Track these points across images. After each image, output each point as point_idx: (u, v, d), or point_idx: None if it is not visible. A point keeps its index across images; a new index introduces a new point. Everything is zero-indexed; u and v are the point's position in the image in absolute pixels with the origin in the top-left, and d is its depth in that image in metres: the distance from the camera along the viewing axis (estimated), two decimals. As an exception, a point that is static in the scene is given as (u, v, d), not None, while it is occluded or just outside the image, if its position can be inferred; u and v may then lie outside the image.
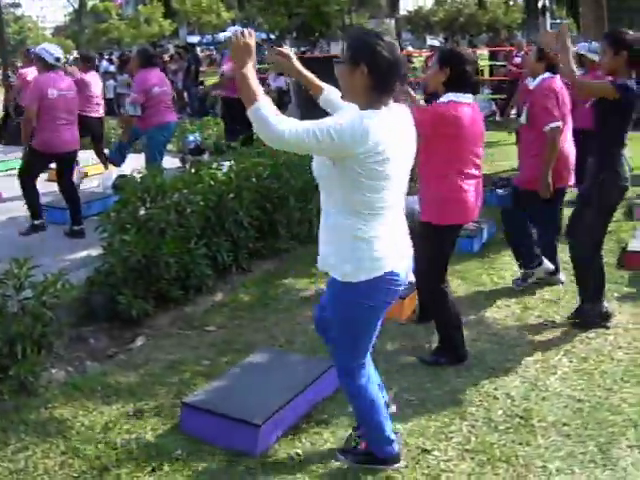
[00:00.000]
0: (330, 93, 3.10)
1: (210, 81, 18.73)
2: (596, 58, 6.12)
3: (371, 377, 2.94)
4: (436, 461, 3.06)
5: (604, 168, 4.12)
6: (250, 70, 2.51)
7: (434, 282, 3.89)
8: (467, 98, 3.67)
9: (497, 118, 14.50)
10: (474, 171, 3.78)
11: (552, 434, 3.24)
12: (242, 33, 2.52)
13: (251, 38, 2.53)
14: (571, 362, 3.94)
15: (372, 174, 2.51)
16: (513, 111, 9.74)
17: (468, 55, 3.73)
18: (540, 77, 4.84)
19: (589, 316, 4.34)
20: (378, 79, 2.53)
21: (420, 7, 39.74)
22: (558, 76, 4.70)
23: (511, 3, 33.77)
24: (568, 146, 4.88)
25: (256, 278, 5.47)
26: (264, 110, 2.44)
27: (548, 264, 4.93)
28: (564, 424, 3.32)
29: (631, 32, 4.13)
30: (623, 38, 4.00)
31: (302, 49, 19.00)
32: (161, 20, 39.72)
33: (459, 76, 3.64)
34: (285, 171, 6.00)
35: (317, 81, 3.15)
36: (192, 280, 4.92)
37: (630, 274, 5.19)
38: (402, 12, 35.32)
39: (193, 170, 5.52)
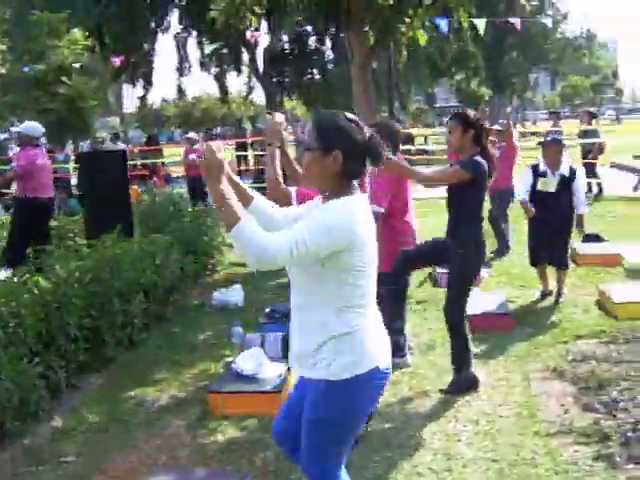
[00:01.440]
0: (259, 204, 2.67)
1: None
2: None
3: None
4: None
5: (465, 241, 4.38)
6: (227, 186, 2.30)
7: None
8: None
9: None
10: None
11: (492, 498, 3.24)
12: (210, 149, 2.30)
13: (220, 153, 2.32)
14: (465, 427, 4.01)
15: (359, 265, 2.39)
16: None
17: None
18: None
19: (462, 383, 4.48)
20: (352, 164, 2.41)
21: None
22: None
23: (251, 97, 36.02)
24: None
25: (94, 395, 4.84)
26: (248, 229, 2.24)
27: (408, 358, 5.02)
28: (496, 486, 3.35)
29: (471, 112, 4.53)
30: (470, 118, 4.36)
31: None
32: None
33: None
34: (106, 273, 5.51)
35: (247, 191, 2.70)
36: (31, 406, 4.21)
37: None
38: (128, 109, 35.21)
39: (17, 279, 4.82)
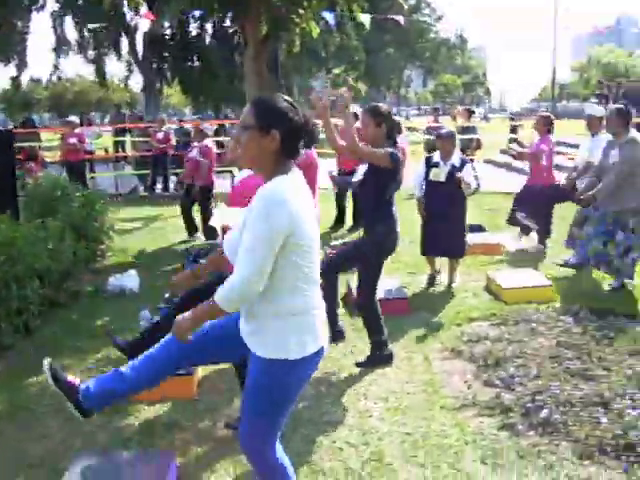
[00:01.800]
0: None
1: None
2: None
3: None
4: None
5: (379, 224, 4.55)
6: (191, 315, 2.56)
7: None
8: None
9: (142, 192, 14.63)
10: None
11: (410, 468, 3.42)
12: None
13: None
14: (376, 404, 4.19)
15: (303, 244, 2.45)
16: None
17: None
18: None
19: (376, 358, 4.67)
20: (289, 144, 2.49)
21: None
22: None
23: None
24: None
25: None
26: (219, 298, 2.44)
27: None
28: (412, 456, 3.53)
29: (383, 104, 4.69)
30: (382, 112, 4.52)
31: None
32: None
33: None
34: (1, 257, 5.26)
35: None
36: None
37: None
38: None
39: None
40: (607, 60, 57.67)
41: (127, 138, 19.03)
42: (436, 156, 6.67)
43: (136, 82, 31.50)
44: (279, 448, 2.72)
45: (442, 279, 6.86)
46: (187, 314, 2.55)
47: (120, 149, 20.05)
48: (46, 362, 2.80)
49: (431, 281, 6.84)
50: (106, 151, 19.77)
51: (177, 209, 9.75)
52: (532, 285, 6.26)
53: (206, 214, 8.87)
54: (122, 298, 6.63)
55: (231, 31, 20.00)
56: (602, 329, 5.24)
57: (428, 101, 67.58)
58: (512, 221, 8.44)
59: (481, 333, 5.34)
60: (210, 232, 8.33)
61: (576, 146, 9.06)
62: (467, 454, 3.56)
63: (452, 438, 3.72)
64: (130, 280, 6.82)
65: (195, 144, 9.34)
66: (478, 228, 8.82)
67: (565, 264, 7.12)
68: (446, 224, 6.56)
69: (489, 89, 66.35)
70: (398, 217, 4.72)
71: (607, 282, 6.58)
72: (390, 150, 4.44)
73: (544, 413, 3.89)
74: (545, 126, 8.18)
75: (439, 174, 6.55)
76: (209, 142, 9.37)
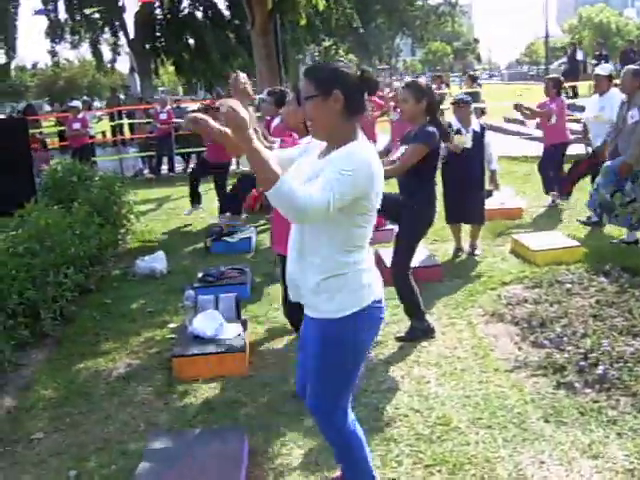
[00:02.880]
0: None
1: None
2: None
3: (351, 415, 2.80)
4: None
5: (420, 199, 4.56)
6: (259, 143, 2.29)
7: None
8: None
9: (147, 175, 14.55)
10: None
11: (478, 430, 3.46)
12: (232, 107, 2.25)
13: (241, 109, 2.28)
14: (429, 370, 4.22)
15: (370, 208, 2.46)
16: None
17: None
18: None
19: (417, 331, 4.68)
20: (352, 100, 2.47)
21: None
22: None
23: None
24: None
25: (43, 371, 4.63)
26: (286, 187, 2.24)
27: None
28: (477, 418, 3.57)
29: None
30: (422, 87, 4.51)
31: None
32: None
33: None
34: (37, 244, 5.26)
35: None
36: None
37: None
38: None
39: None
40: (599, 20, 57.29)
41: (125, 121, 18.87)
42: (453, 123, 6.64)
43: (123, 65, 31.34)
44: (351, 415, 2.74)
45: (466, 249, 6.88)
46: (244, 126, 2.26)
47: (118, 132, 19.91)
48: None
49: (457, 253, 6.85)
50: (104, 135, 19.64)
51: (186, 189, 9.72)
52: (562, 246, 6.29)
53: (224, 191, 8.88)
54: (152, 280, 6.63)
55: (224, 8, 19.76)
56: (637, 286, 5.28)
57: (417, 70, 67.20)
58: (548, 187, 8.50)
59: (518, 296, 5.38)
60: (235, 206, 8.31)
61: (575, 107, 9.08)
62: (530, 414, 3.59)
63: (512, 399, 3.76)
64: (158, 261, 6.82)
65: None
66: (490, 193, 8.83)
67: (586, 222, 7.18)
68: (466, 191, 6.55)
69: (480, 55, 66.04)
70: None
71: (619, 237, 6.68)
72: (419, 143, 4.46)
73: (600, 370, 3.93)
74: (555, 88, 8.23)
75: (464, 141, 6.53)
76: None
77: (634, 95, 6.35)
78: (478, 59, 59.51)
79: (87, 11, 19.43)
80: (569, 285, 5.49)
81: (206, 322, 4.53)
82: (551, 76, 8.81)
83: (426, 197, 4.62)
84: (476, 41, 69.07)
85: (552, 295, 5.29)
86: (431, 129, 4.51)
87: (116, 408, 4.03)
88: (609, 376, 3.88)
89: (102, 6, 19.41)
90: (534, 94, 13.88)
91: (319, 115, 2.48)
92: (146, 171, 15.07)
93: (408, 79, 7.91)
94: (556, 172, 8.33)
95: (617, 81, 7.40)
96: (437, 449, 3.30)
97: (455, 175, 6.52)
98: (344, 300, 2.49)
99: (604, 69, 7.74)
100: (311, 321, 2.61)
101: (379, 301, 2.58)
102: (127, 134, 18.98)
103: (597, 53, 19.44)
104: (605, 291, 5.29)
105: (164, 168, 14.70)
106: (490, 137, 6.89)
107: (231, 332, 4.54)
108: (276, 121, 5.49)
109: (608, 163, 6.44)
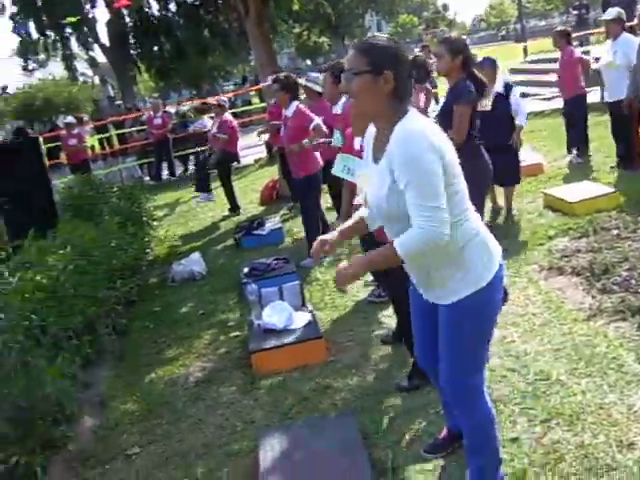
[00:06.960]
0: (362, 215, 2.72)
1: None
2: (319, 89, 6.55)
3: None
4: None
5: (468, 154, 4.51)
6: (364, 257, 2.44)
7: None
8: None
9: (148, 182, 14.40)
10: None
11: (579, 380, 3.45)
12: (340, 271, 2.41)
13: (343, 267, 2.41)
14: (508, 329, 4.20)
15: (455, 169, 2.35)
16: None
17: None
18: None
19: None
20: (402, 84, 2.35)
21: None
22: None
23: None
24: None
25: (116, 386, 4.58)
26: (404, 247, 2.26)
27: None
28: (574, 369, 3.57)
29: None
30: (459, 43, 4.46)
31: None
32: None
33: None
34: (83, 260, 5.21)
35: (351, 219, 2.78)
36: (66, 408, 3.93)
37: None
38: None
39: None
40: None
41: (113, 132, 18.68)
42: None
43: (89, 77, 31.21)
44: (486, 391, 2.66)
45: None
46: (350, 264, 2.40)
47: (106, 144, 19.71)
48: None
49: (495, 215, 6.81)
50: (92, 149, 19.42)
51: (192, 190, 9.72)
52: (599, 194, 6.27)
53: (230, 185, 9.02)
54: (192, 283, 6.59)
55: (197, 4, 19.48)
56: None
57: (387, 44, 66.48)
58: (570, 143, 8.47)
59: (570, 247, 5.37)
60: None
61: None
62: (624, 358, 3.59)
63: (602, 346, 3.75)
64: (196, 263, 6.78)
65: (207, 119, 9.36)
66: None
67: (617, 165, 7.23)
68: (497, 154, 6.49)
69: (452, 22, 65.60)
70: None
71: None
72: (463, 105, 4.43)
73: (679, 305, 3.94)
74: (562, 38, 8.19)
75: (484, 103, 6.48)
76: (228, 115, 9.30)
77: None
78: (449, 26, 59.17)
79: (66, 21, 19.02)
80: (616, 231, 5.48)
81: (275, 314, 4.50)
82: (557, 29, 8.74)
83: (470, 151, 4.55)
84: (445, 8, 68.88)
85: (604, 242, 5.27)
86: (468, 84, 4.48)
87: (205, 412, 3.99)
88: (692, 312, 3.88)
89: (72, 15, 18.98)
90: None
91: (364, 93, 2.34)
92: (146, 178, 14.95)
93: None
94: (580, 127, 8.27)
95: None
96: (547, 404, 3.29)
97: (482, 138, 6.47)
98: (479, 271, 2.41)
99: (609, 13, 7.70)
100: (444, 307, 2.51)
101: (502, 265, 2.51)
102: (116, 145, 18.82)
103: (577, 3, 19.37)
104: (653, 232, 5.29)
105: (165, 174, 14.59)
106: (517, 94, 6.79)
107: (301, 320, 4.51)
108: (343, 99, 5.50)
109: None
